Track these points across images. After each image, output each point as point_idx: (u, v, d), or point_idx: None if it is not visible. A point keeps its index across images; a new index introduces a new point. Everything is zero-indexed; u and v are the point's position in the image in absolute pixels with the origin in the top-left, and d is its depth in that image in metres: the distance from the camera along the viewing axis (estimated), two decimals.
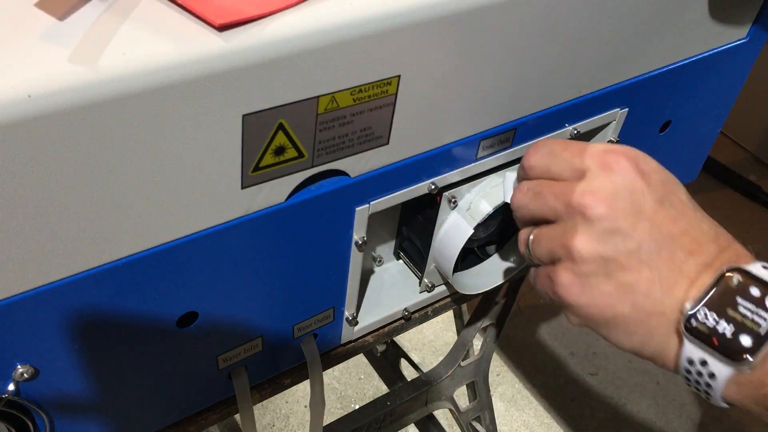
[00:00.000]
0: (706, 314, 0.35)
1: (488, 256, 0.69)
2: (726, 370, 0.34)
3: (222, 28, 0.37)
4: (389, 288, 0.67)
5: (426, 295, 0.67)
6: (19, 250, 0.37)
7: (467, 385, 1.01)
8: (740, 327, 0.34)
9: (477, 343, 0.93)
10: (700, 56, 0.68)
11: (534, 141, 0.60)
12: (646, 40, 0.61)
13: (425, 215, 0.61)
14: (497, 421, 1.08)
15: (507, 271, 0.68)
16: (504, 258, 0.69)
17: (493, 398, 1.07)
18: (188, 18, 0.38)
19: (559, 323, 1.53)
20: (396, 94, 0.47)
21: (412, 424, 1.10)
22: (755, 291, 0.34)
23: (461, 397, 1.02)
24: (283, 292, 0.53)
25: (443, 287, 0.68)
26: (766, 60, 1.00)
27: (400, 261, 0.69)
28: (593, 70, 0.59)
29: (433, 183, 0.55)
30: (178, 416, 0.56)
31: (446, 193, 0.58)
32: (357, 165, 0.49)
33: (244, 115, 0.40)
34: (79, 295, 0.41)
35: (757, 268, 0.36)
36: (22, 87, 0.32)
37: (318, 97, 0.43)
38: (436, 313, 0.70)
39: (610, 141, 0.66)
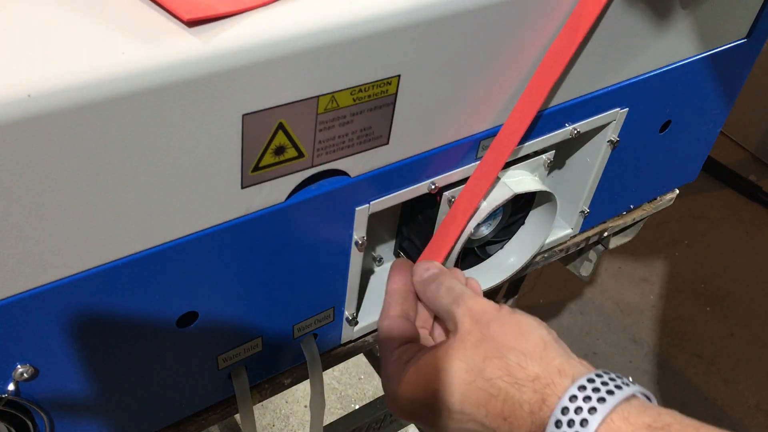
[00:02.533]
0: None
1: (488, 256, 0.69)
2: None
3: (191, 23, 0.37)
4: None
5: None
6: (18, 250, 0.37)
7: None
8: None
9: None
10: (700, 56, 0.68)
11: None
12: (646, 40, 0.61)
13: (425, 215, 0.61)
14: None
15: (507, 271, 0.68)
16: (504, 258, 0.69)
17: None
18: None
19: (559, 323, 1.53)
20: (396, 94, 0.47)
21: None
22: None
23: None
24: (283, 292, 0.53)
25: None
26: (766, 60, 1.00)
27: None
28: (593, 70, 0.59)
29: (433, 183, 0.55)
30: (178, 416, 0.56)
31: (446, 193, 0.58)
32: (357, 165, 0.49)
33: (244, 115, 0.40)
34: (79, 295, 0.41)
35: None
36: (22, 87, 0.32)
37: (318, 96, 0.43)
38: None
39: (610, 141, 0.66)
